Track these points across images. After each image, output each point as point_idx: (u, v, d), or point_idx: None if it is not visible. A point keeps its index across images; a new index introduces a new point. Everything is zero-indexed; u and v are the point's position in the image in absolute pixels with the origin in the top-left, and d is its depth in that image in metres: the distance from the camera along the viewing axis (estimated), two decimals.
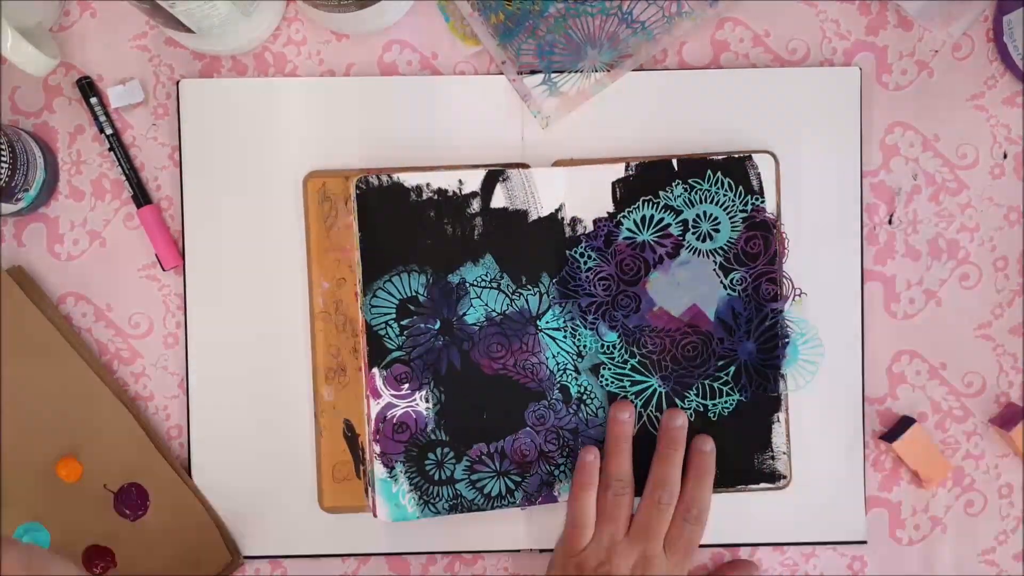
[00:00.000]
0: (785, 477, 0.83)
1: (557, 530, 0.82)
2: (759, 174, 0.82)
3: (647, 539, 0.79)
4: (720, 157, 0.82)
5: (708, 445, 0.81)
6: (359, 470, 0.82)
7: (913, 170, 0.85)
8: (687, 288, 0.82)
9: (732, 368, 0.82)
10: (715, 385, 0.82)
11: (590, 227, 0.81)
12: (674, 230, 0.82)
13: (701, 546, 0.85)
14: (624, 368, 0.81)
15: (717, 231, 0.82)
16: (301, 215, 0.82)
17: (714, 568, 0.85)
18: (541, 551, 0.84)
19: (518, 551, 0.85)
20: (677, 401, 0.82)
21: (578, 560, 0.78)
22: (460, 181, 0.80)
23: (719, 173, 0.81)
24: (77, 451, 0.82)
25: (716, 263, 0.82)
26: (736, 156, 0.82)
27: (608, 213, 0.81)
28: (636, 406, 0.81)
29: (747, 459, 0.82)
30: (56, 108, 0.84)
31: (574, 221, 0.81)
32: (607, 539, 0.79)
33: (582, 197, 0.81)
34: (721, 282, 0.82)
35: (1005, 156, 0.85)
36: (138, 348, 0.84)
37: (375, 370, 0.79)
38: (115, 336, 0.84)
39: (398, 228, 0.79)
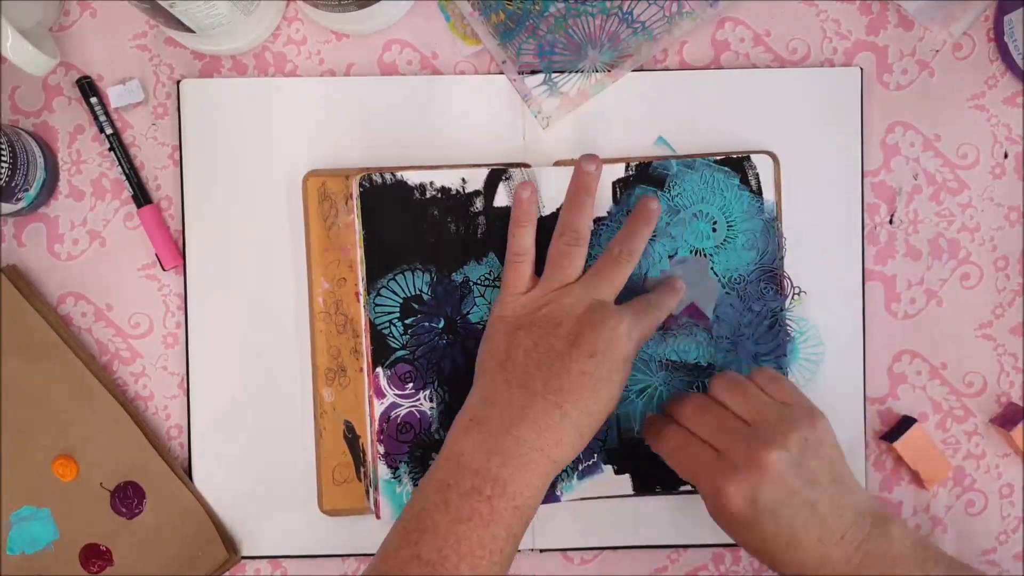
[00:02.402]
0: None
1: (558, 530, 0.82)
2: (757, 174, 0.82)
3: (597, 285, 0.76)
4: (720, 157, 0.82)
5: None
6: (359, 472, 0.82)
7: (914, 170, 0.85)
8: (686, 286, 0.82)
9: (733, 368, 0.82)
10: None
11: (591, 226, 0.81)
12: (673, 229, 0.82)
13: (701, 546, 0.85)
14: None
15: (716, 230, 0.82)
16: (301, 215, 0.82)
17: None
18: (541, 551, 0.84)
19: (519, 551, 0.84)
20: None
21: (518, 305, 0.76)
22: (463, 180, 0.80)
23: (719, 173, 0.81)
24: (73, 450, 0.82)
25: (715, 262, 0.82)
26: (736, 156, 0.82)
27: (608, 213, 0.81)
28: (638, 404, 0.81)
29: None
30: (56, 108, 0.84)
31: None
32: (555, 284, 0.76)
33: None
34: (720, 281, 0.82)
35: (1006, 156, 0.85)
36: (138, 348, 0.84)
37: (379, 370, 0.79)
38: (115, 336, 0.84)
39: (401, 226, 0.79)
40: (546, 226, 0.80)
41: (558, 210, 0.80)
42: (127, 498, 0.82)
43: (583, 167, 0.78)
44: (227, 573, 0.84)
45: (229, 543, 0.83)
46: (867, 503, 0.72)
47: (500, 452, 0.70)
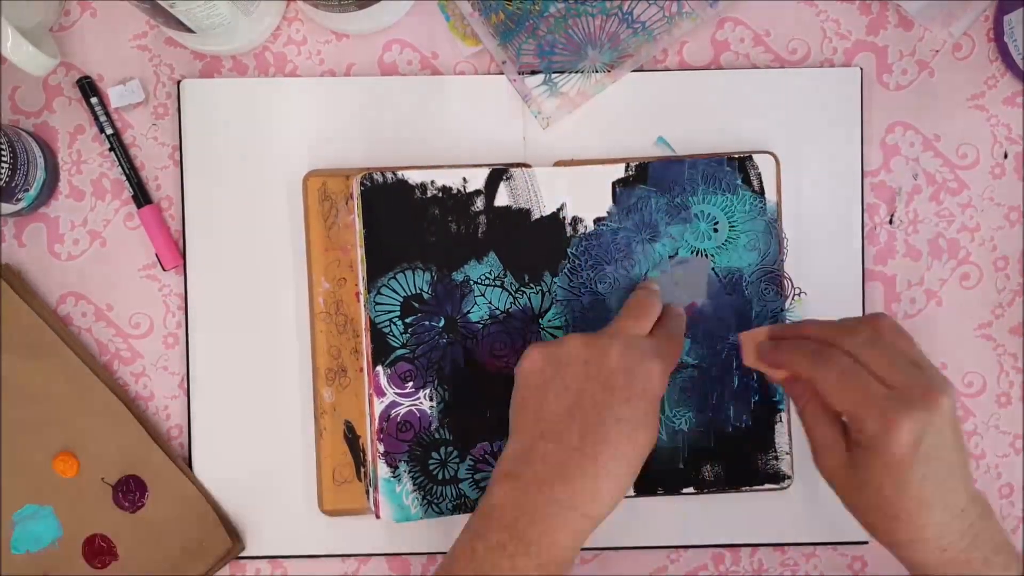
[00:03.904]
0: (789, 477, 0.83)
1: None
2: (759, 174, 0.82)
3: (628, 325, 0.74)
4: (720, 157, 0.82)
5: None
6: (360, 472, 0.82)
7: (913, 170, 0.85)
8: (686, 287, 0.82)
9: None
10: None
11: (591, 227, 0.81)
12: (674, 230, 0.82)
13: (700, 546, 0.85)
14: None
15: (717, 230, 0.82)
16: (301, 215, 0.82)
17: None
18: None
19: None
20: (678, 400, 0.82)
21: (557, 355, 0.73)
22: (464, 179, 0.80)
23: (721, 173, 0.81)
24: (73, 446, 0.82)
25: (715, 262, 0.82)
26: (736, 156, 0.82)
27: (608, 213, 0.81)
28: None
29: (751, 460, 0.82)
30: (56, 108, 0.84)
31: (575, 221, 0.81)
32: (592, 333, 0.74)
33: (583, 197, 0.81)
34: (720, 281, 0.82)
35: (1006, 156, 0.85)
36: (138, 348, 0.84)
37: (379, 368, 0.79)
38: (115, 336, 0.84)
39: (402, 225, 0.79)
40: (546, 224, 0.80)
41: (558, 210, 0.80)
42: (129, 492, 0.83)
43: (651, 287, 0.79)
44: (227, 572, 0.84)
45: (232, 532, 0.83)
46: (973, 487, 0.70)
47: (531, 511, 0.68)
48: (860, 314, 0.84)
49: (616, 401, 0.69)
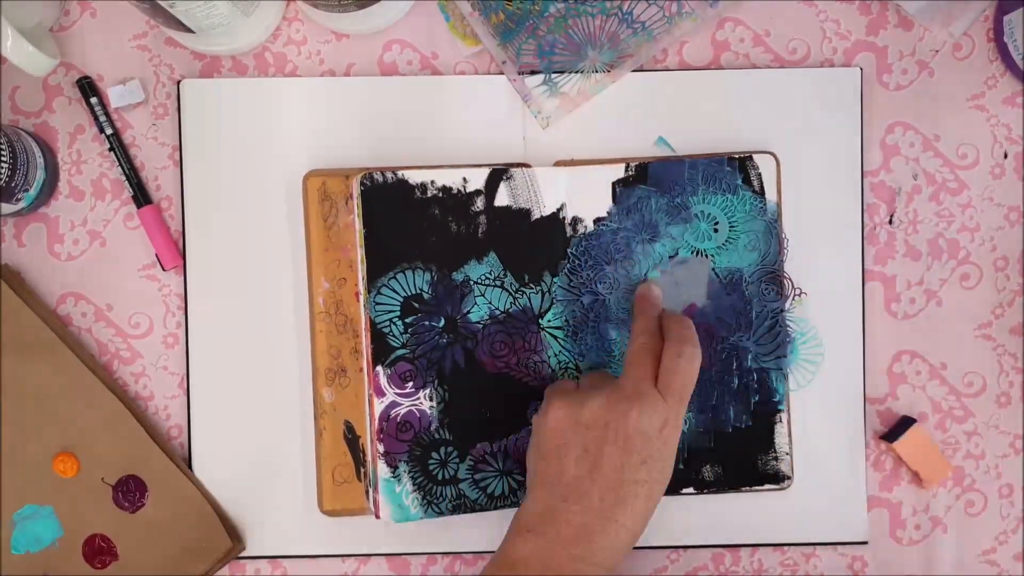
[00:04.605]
0: (789, 477, 0.83)
1: None
2: (760, 174, 0.82)
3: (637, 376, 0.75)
4: (720, 157, 0.82)
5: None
6: (359, 472, 0.82)
7: (913, 170, 0.85)
8: (686, 287, 0.82)
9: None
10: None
11: (591, 227, 0.81)
12: (674, 230, 0.82)
13: (700, 546, 0.85)
14: None
15: (717, 231, 0.82)
16: (301, 215, 0.82)
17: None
18: None
19: None
20: None
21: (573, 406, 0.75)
22: (464, 179, 0.80)
23: (722, 173, 0.81)
24: (73, 446, 0.82)
25: (715, 262, 0.82)
26: (737, 156, 0.82)
27: (608, 213, 0.81)
28: None
29: (751, 461, 0.82)
30: (56, 108, 0.84)
31: (575, 221, 0.81)
32: (603, 385, 0.76)
33: (583, 197, 0.81)
34: (720, 281, 0.82)
35: (1005, 156, 0.85)
36: (138, 348, 0.84)
37: (379, 368, 0.79)
38: (115, 336, 0.84)
39: (402, 225, 0.79)
40: (546, 224, 0.80)
41: (557, 210, 0.80)
42: (129, 492, 0.83)
43: (646, 294, 0.80)
44: (227, 572, 0.84)
45: (232, 532, 0.83)
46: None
47: (555, 567, 0.71)
48: (860, 314, 0.84)
49: (634, 463, 0.72)
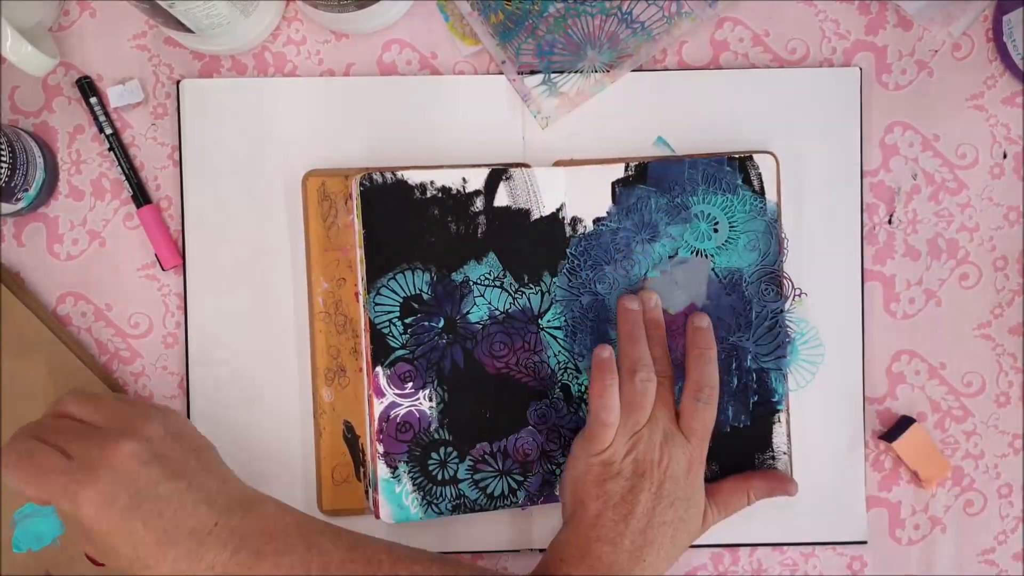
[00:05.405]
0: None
1: (557, 530, 0.82)
2: (760, 174, 0.82)
3: (662, 416, 0.78)
4: (720, 157, 0.82)
5: (704, 321, 0.81)
6: (359, 472, 0.82)
7: (913, 170, 0.85)
8: (685, 287, 0.82)
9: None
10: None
11: (590, 227, 0.81)
12: (674, 230, 0.82)
13: (700, 546, 0.85)
14: None
15: (717, 231, 0.82)
16: (300, 215, 0.82)
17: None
18: (541, 551, 0.84)
19: (518, 551, 0.85)
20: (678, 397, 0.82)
21: (604, 458, 0.77)
22: (464, 179, 0.80)
23: (721, 173, 0.81)
24: None
25: (715, 262, 0.82)
26: (737, 156, 0.82)
27: (608, 213, 0.81)
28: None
29: (749, 460, 0.82)
30: (56, 108, 0.83)
31: (575, 221, 0.81)
32: (634, 427, 0.77)
33: (582, 197, 0.81)
34: (720, 281, 0.82)
35: (1005, 156, 0.85)
36: (138, 348, 0.84)
37: (379, 369, 0.79)
38: (115, 336, 0.84)
39: (402, 225, 0.79)
40: (546, 225, 0.80)
41: (557, 210, 0.80)
42: None
43: (625, 305, 0.80)
44: None
45: None
46: (239, 489, 0.72)
47: None
48: (859, 314, 0.84)
49: (663, 507, 0.76)
